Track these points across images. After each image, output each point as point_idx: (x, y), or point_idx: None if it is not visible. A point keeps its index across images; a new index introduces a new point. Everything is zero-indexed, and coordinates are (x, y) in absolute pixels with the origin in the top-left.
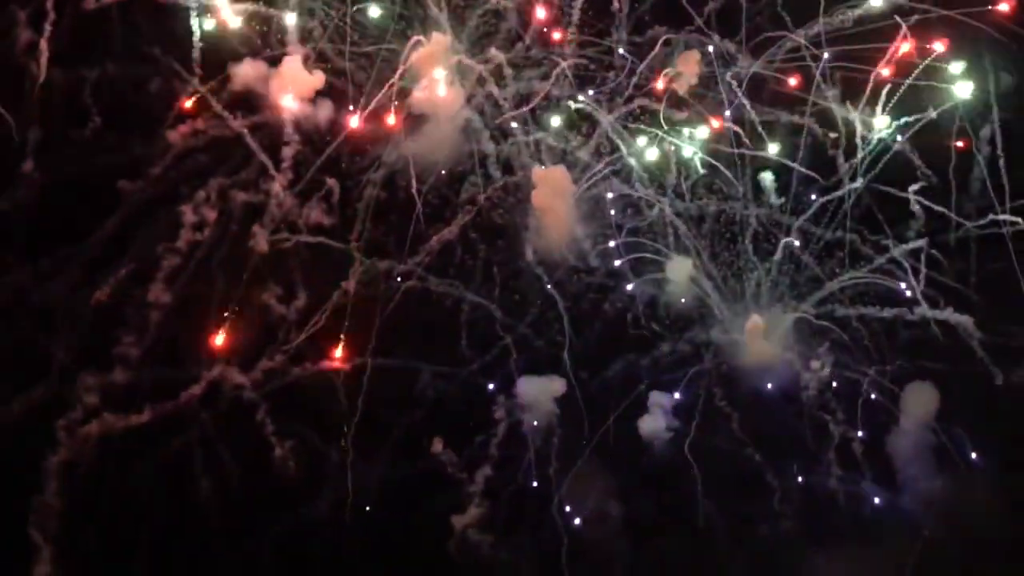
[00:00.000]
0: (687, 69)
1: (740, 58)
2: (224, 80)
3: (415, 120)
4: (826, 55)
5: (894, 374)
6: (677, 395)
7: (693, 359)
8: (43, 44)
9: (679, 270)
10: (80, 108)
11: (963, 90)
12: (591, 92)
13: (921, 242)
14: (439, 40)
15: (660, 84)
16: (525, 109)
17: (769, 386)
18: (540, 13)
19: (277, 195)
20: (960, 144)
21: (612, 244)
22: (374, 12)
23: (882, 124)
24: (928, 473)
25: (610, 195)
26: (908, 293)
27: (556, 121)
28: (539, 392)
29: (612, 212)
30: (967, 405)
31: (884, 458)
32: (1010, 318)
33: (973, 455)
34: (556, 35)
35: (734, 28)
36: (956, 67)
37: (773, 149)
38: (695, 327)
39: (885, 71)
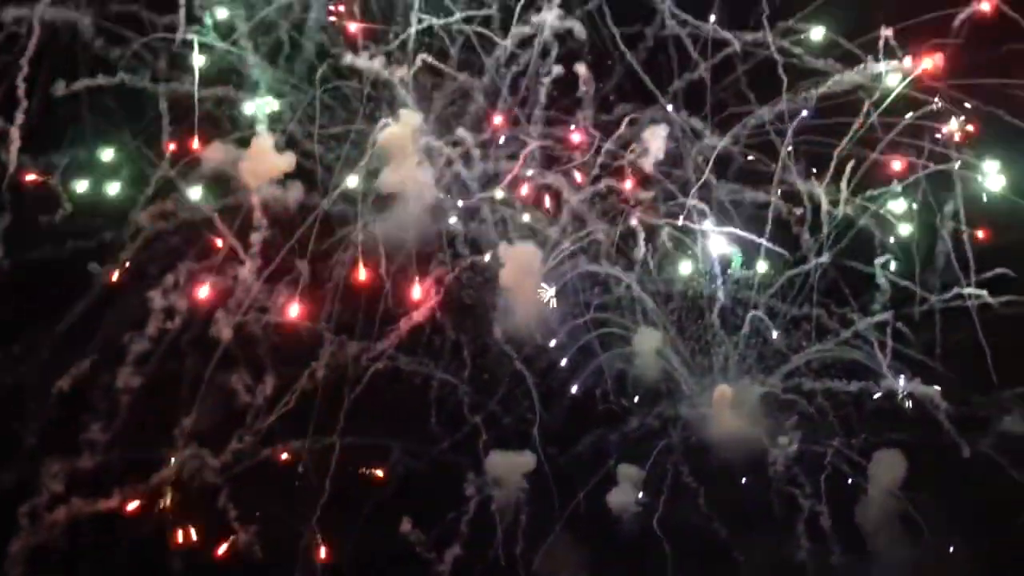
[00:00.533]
0: (653, 145)
1: (707, 135)
2: (194, 163)
3: (384, 200)
4: (790, 132)
5: (861, 446)
6: (645, 470)
7: (662, 433)
8: (14, 132)
9: (646, 341)
10: (49, 194)
11: None
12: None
13: (886, 315)
14: (407, 121)
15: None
16: (492, 192)
17: (737, 460)
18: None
19: (245, 280)
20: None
21: (580, 320)
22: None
23: (845, 199)
24: (896, 542)
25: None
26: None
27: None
28: (509, 468)
29: (579, 290)
30: (935, 474)
31: (853, 528)
32: (976, 388)
33: (940, 524)
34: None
35: (700, 105)
36: None
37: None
38: (663, 401)
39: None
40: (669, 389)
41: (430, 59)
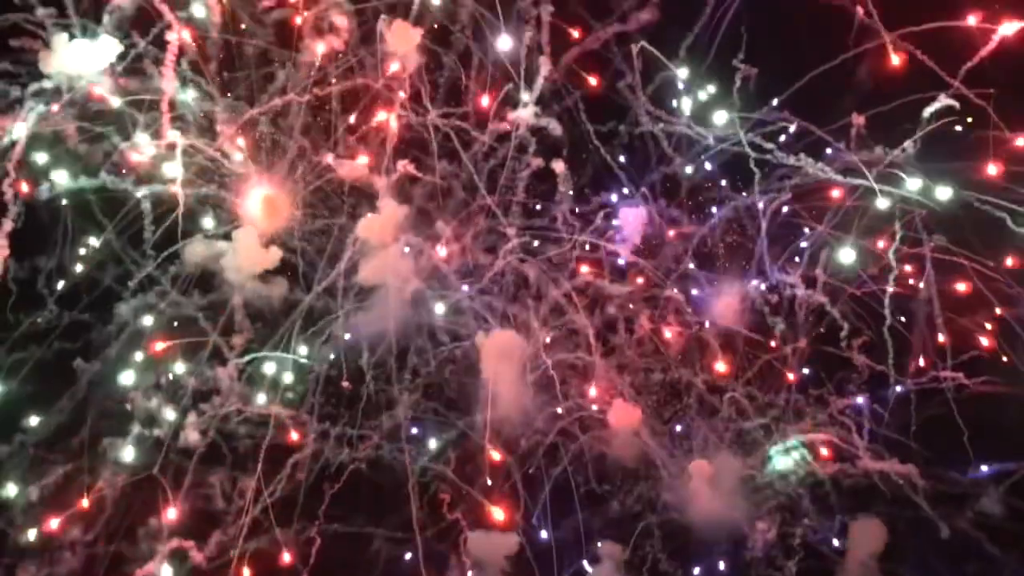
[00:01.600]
0: (629, 230)
1: (683, 222)
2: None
3: (364, 292)
4: (764, 223)
5: (839, 526)
6: (627, 550)
7: (642, 514)
8: (3, 240)
9: (622, 415)
10: (36, 296)
11: None
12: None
13: (862, 398)
14: (388, 213)
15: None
16: (472, 288)
17: (717, 542)
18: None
19: (230, 379)
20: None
21: (559, 411)
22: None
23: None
24: None
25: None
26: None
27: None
28: (491, 549)
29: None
30: (912, 550)
31: None
32: (952, 465)
33: None
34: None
35: (676, 194)
36: None
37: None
38: (642, 483)
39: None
40: (648, 470)
41: (410, 166)
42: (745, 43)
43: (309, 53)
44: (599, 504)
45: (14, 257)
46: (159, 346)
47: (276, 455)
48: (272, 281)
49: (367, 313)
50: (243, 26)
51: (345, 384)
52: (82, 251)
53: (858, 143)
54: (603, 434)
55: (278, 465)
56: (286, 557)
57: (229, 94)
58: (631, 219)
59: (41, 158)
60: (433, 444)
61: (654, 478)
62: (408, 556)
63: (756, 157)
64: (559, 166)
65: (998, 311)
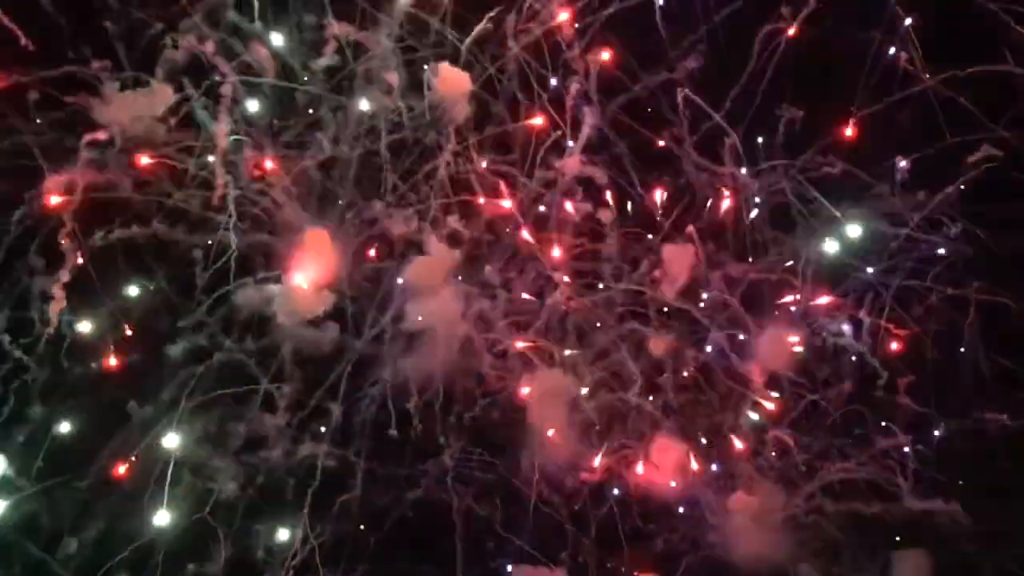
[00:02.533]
0: (677, 269)
1: (730, 263)
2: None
3: (412, 336)
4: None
5: (883, 564)
6: None
7: (688, 550)
8: (57, 291)
9: (665, 453)
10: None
11: None
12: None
13: (905, 439)
14: (439, 255)
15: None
16: (518, 344)
17: None
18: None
19: (277, 427)
20: None
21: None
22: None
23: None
24: None
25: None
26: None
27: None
28: None
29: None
30: None
31: None
32: (995, 503)
33: None
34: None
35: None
36: None
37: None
38: (685, 520)
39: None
40: (691, 508)
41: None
42: (791, 88)
43: (359, 103)
44: (643, 541)
45: (69, 305)
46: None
47: (324, 496)
48: (323, 326)
49: (415, 357)
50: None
51: (392, 432)
52: (133, 294)
53: (902, 187)
54: (647, 472)
55: (326, 508)
56: None
57: (280, 141)
58: (677, 258)
59: (95, 207)
60: (478, 485)
61: (696, 516)
62: None
63: (799, 209)
64: (606, 214)
65: None
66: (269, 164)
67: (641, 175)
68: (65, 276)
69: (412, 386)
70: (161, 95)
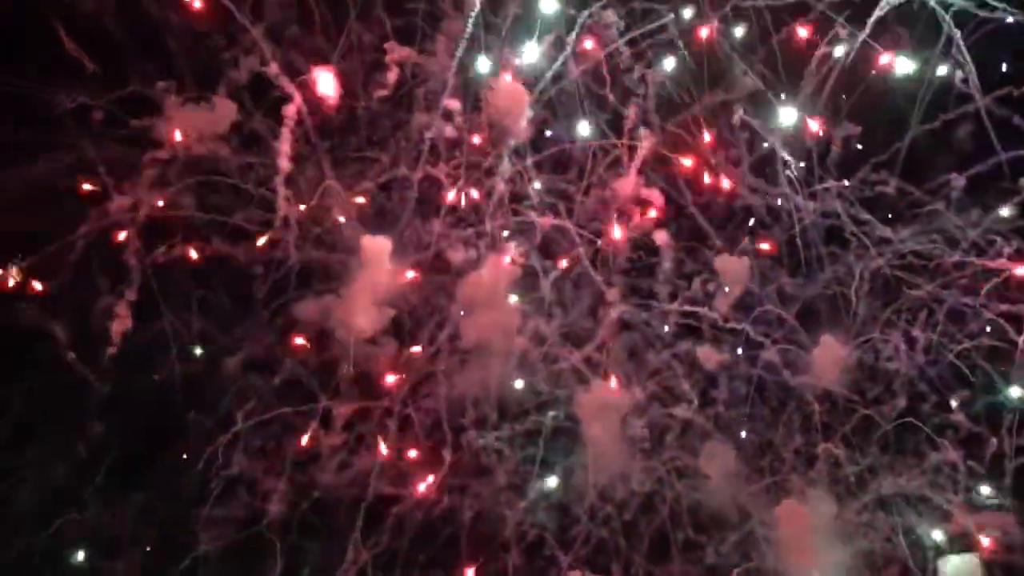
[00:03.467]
0: (730, 279)
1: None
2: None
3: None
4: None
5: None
6: None
7: (740, 559)
8: (122, 310)
9: (716, 463)
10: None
11: None
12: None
13: (957, 454)
14: (496, 273)
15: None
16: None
17: None
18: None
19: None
20: None
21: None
22: None
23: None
24: None
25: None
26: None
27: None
28: None
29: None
30: None
31: None
32: None
33: None
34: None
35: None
36: None
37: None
38: (735, 530)
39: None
40: (742, 519)
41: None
42: (846, 107)
43: (419, 125)
44: (695, 552)
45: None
46: None
47: (379, 508)
48: (381, 341)
49: (470, 371)
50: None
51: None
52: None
53: (957, 205)
54: (698, 483)
55: (381, 518)
56: None
57: (342, 160)
58: (731, 269)
59: (158, 223)
60: (533, 496)
61: (748, 527)
62: None
63: (853, 231)
64: (661, 237)
65: None
66: (330, 183)
67: (696, 195)
68: (131, 295)
69: (467, 402)
70: (223, 111)
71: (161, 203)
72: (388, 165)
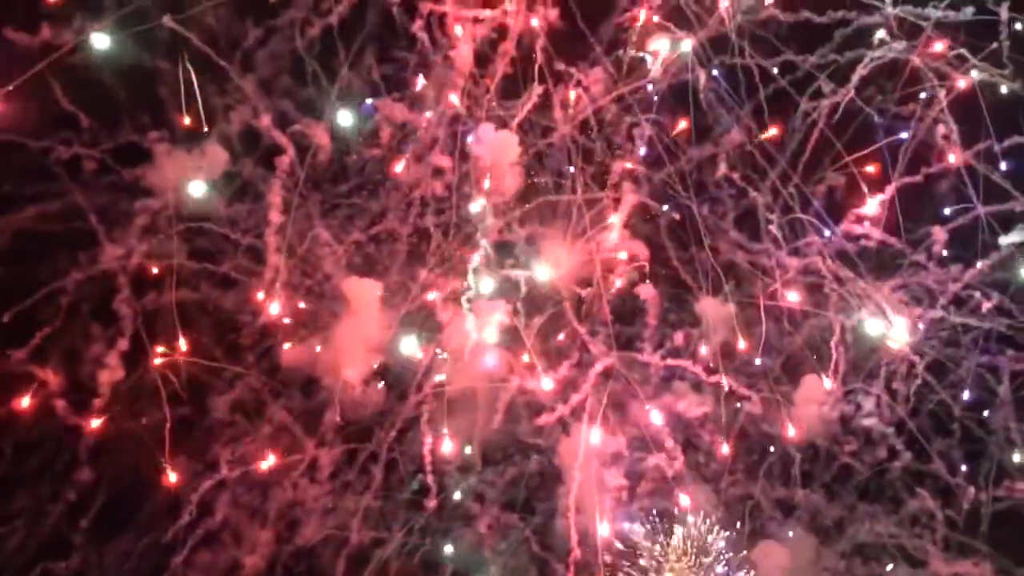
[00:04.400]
0: (712, 325)
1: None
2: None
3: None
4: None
5: None
6: None
7: None
8: (113, 360)
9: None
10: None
11: None
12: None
13: (935, 503)
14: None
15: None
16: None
17: None
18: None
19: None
20: None
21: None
22: None
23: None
24: None
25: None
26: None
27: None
28: None
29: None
30: None
31: None
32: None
33: None
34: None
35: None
36: None
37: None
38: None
39: None
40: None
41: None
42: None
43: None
44: None
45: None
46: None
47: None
48: (369, 387)
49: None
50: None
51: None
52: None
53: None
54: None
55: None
56: None
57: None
58: (713, 311)
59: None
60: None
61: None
62: None
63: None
64: (646, 291)
65: None
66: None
67: (679, 249)
68: (123, 344)
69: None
70: (214, 158)
71: (151, 252)
72: (377, 216)
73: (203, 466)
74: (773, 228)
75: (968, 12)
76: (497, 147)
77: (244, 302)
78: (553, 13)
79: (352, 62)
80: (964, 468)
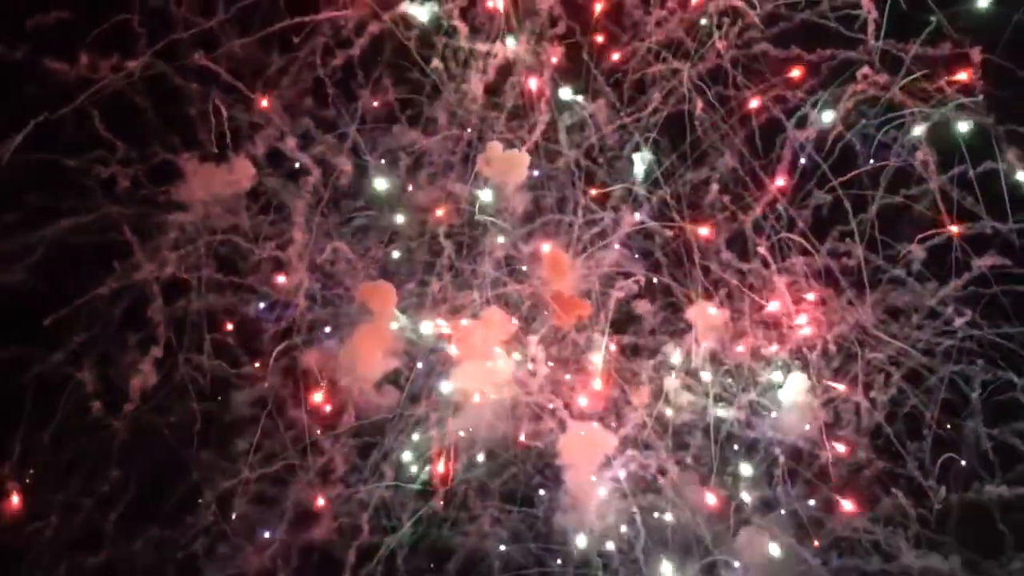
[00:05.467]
0: (703, 331)
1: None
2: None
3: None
4: None
5: None
6: None
7: None
8: (147, 367)
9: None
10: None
11: None
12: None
13: (908, 502)
14: (492, 320)
15: None
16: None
17: None
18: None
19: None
20: None
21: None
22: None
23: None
24: None
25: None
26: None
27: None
28: None
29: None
30: None
31: None
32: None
33: None
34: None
35: None
36: None
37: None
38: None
39: None
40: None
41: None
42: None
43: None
44: None
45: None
46: None
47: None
48: (383, 390)
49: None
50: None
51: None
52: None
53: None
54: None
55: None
56: None
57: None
58: (706, 320)
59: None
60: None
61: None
62: None
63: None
64: (642, 306)
65: None
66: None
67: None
68: (157, 351)
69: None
70: (242, 171)
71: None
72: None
73: (225, 461)
74: (761, 249)
75: (945, 48)
76: (507, 165)
77: (266, 309)
78: (559, 51)
79: (371, 87)
80: (936, 470)
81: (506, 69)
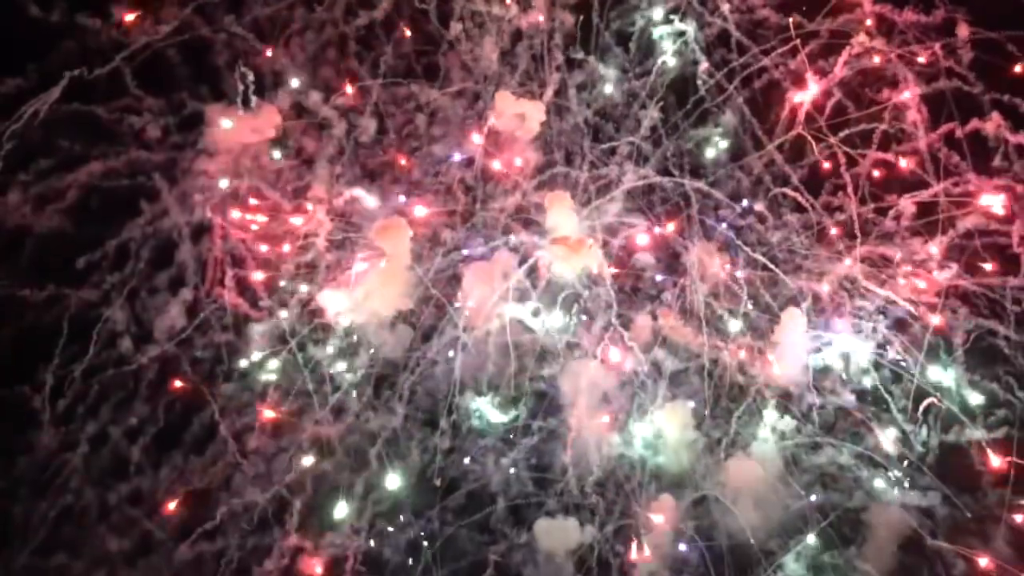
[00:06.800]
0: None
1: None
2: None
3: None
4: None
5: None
6: None
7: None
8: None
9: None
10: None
11: None
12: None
13: (890, 441)
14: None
15: None
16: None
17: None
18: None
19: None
20: None
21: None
22: None
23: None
24: None
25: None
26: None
27: None
28: (558, 539)
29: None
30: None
31: None
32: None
33: None
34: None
35: None
36: None
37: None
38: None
39: None
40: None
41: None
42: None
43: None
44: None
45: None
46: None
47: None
48: (397, 329)
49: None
50: None
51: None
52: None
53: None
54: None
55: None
56: None
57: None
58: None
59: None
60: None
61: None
62: None
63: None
64: (644, 258)
65: None
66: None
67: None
68: (187, 294)
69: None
70: (268, 117)
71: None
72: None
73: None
74: (758, 205)
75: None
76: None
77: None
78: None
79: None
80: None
81: (519, 33)
